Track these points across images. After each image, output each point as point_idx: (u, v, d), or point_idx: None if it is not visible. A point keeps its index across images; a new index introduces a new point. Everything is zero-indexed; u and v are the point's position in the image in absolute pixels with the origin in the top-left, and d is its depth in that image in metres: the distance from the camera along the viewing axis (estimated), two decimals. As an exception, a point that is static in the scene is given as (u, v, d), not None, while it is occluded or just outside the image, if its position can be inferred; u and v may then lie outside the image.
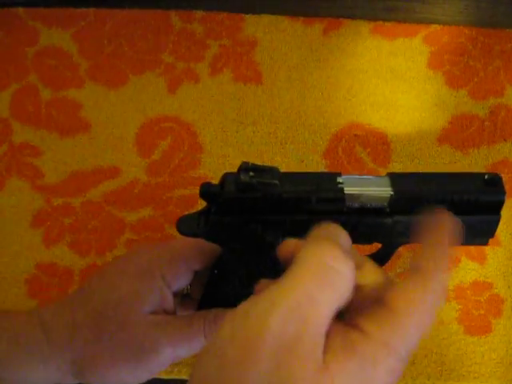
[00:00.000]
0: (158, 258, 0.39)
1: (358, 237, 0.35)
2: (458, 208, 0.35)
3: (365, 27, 0.57)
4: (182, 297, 0.42)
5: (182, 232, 0.38)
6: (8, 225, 0.53)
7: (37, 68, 0.57)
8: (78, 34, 0.57)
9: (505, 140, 0.54)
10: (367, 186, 0.35)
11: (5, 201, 0.54)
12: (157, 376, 0.50)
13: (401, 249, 0.52)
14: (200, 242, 0.39)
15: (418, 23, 0.57)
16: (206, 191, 0.36)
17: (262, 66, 0.56)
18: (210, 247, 0.39)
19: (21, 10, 0.57)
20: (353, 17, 0.57)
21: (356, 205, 0.35)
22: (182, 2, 0.57)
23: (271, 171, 0.35)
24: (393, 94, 0.55)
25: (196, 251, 0.39)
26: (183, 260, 0.39)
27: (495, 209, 0.36)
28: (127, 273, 0.38)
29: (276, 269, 0.35)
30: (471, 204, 0.35)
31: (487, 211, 0.36)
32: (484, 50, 0.56)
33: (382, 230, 0.36)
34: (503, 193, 0.35)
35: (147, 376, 0.38)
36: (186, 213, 0.54)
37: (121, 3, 0.58)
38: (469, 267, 0.52)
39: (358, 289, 0.25)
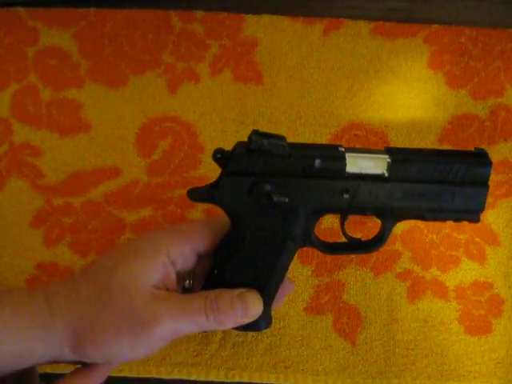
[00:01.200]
0: (165, 238, 0.40)
1: (357, 203, 0.39)
2: (450, 177, 0.39)
3: (365, 27, 0.57)
4: (183, 290, 0.42)
5: (191, 197, 0.40)
6: (8, 225, 0.53)
7: (37, 68, 0.57)
8: (78, 33, 0.57)
9: (505, 140, 0.55)
10: (366, 153, 0.39)
11: (5, 201, 0.54)
12: (157, 376, 0.50)
13: (400, 248, 0.52)
14: (206, 225, 0.41)
15: (419, 23, 0.57)
16: (220, 155, 0.39)
17: (262, 66, 0.56)
18: (215, 231, 0.41)
19: (21, 9, 0.57)
20: (353, 17, 0.57)
21: (356, 170, 0.39)
22: (182, 2, 0.57)
23: (280, 137, 0.39)
24: (393, 94, 0.56)
25: (201, 234, 0.41)
26: (189, 241, 0.40)
27: (483, 179, 0.39)
28: (133, 250, 0.39)
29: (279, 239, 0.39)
30: (461, 172, 0.39)
31: (476, 181, 0.39)
32: (484, 50, 0.56)
33: (380, 195, 0.39)
34: (490, 164, 0.39)
35: (147, 351, 0.38)
36: (187, 212, 0.55)
37: (121, 3, 0.57)
38: (469, 267, 0.52)
39: None
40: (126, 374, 0.50)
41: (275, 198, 0.38)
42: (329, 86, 0.56)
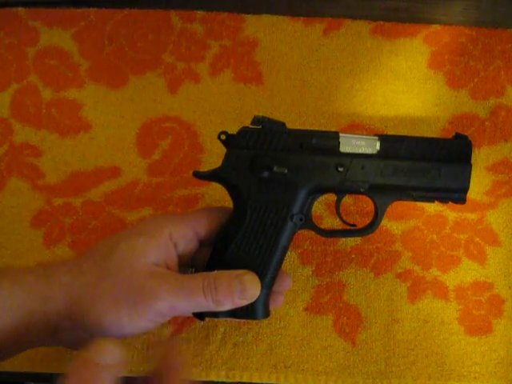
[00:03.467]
0: (168, 220, 0.42)
1: (350, 178, 0.42)
2: (436, 153, 0.43)
3: (365, 27, 0.56)
4: None
5: (196, 175, 0.43)
6: (8, 225, 0.53)
7: (37, 68, 0.57)
8: (78, 33, 0.57)
9: (505, 140, 0.55)
10: (359, 135, 0.43)
11: (5, 201, 0.54)
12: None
13: (401, 249, 0.52)
14: (208, 212, 0.43)
15: (419, 23, 0.57)
16: (224, 136, 0.42)
17: (263, 66, 0.56)
18: (217, 218, 0.43)
19: (21, 9, 0.57)
20: (353, 17, 0.57)
21: (349, 148, 0.43)
22: (182, 2, 0.57)
23: (279, 121, 0.43)
24: (393, 94, 0.55)
25: (203, 219, 0.42)
26: (191, 224, 0.42)
27: (465, 156, 0.43)
28: (136, 229, 0.41)
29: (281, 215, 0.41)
30: (445, 148, 0.43)
31: (460, 158, 0.43)
32: (484, 50, 0.56)
33: (372, 171, 0.42)
34: (470, 142, 0.44)
35: (146, 324, 0.38)
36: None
37: (121, 3, 0.57)
38: (469, 267, 0.52)
39: None
40: (125, 373, 0.50)
41: (275, 168, 0.41)
42: (329, 86, 0.56)
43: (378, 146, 0.43)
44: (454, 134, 0.45)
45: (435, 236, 0.53)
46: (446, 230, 0.53)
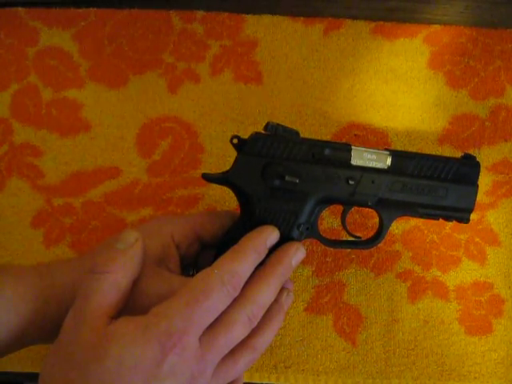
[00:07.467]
0: (170, 221, 0.42)
1: (360, 192, 0.43)
2: (444, 173, 0.43)
3: (365, 27, 0.56)
4: None
5: (206, 178, 0.42)
6: (8, 225, 0.53)
7: (37, 68, 0.56)
8: (78, 34, 0.57)
9: (505, 140, 0.55)
10: (370, 148, 0.43)
11: (5, 201, 0.54)
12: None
13: (401, 249, 0.52)
14: (211, 214, 0.43)
15: (419, 23, 0.57)
16: (236, 140, 0.42)
17: (263, 66, 0.56)
18: (220, 221, 0.42)
19: (21, 10, 0.57)
20: (353, 17, 0.57)
21: (361, 162, 0.43)
22: (182, 2, 0.57)
23: (293, 129, 0.43)
24: (393, 94, 0.55)
25: (206, 221, 0.42)
26: (193, 225, 0.42)
27: (473, 178, 0.44)
28: (140, 231, 0.40)
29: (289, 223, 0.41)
30: (454, 170, 0.43)
31: (467, 180, 0.44)
32: (484, 51, 0.56)
33: (381, 186, 0.43)
34: (478, 164, 0.44)
35: None
36: (187, 213, 0.54)
37: (121, 3, 0.57)
38: (469, 267, 0.52)
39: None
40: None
41: (287, 177, 0.41)
42: (329, 86, 0.56)
43: (388, 161, 0.43)
44: (463, 153, 0.45)
45: (435, 236, 0.53)
46: (446, 229, 0.53)
